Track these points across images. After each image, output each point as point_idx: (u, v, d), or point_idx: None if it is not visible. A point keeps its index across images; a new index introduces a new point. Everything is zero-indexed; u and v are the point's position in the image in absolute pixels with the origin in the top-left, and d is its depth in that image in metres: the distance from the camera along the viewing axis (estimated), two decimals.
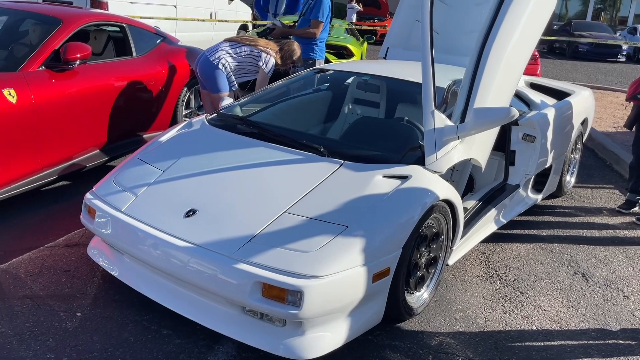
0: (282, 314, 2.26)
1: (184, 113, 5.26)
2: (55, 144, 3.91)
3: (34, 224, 3.66)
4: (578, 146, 4.99)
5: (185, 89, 5.20)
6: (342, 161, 2.87)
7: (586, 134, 5.19)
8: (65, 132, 3.97)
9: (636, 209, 4.52)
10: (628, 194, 4.62)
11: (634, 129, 4.54)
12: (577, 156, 5.04)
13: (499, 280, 3.34)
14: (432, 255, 2.90)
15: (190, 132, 3.38)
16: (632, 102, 4.58)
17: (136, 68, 4.69)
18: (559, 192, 4.70)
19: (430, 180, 2.79)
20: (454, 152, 2.97)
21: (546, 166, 4.18)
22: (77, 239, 3.47)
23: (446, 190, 2.82)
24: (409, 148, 3.05)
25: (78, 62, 3.99)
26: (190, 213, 2.62)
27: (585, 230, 4.16)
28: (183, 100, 5.21)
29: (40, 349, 2.46)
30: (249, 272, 2.29)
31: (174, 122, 5.11)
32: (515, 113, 2.78)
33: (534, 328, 2.88)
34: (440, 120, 2.88)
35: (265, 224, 2.50)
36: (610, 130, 7.36)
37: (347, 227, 2.45)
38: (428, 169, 2.85)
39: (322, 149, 2.95)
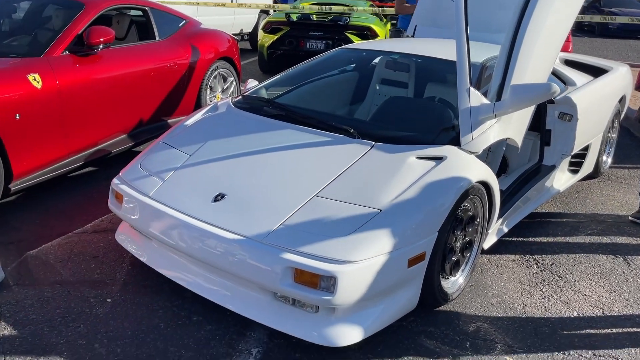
0: (315, 300, 2.19)
1: (208, 97, 5.20)
2: (81, 129, 3.89)
3: (61, 210, 3.65)
4: (615, 125, 4.79)
5: (209, 72, 5.13)
6: (373, 142, 2.77)
7: (624, 112, 4.98)
8: (90, 117, 3.95)
9: None
10: None
11: None
12: (615, 135, 4.85)
13: (536, 264, 3.22)
14: (467, 239, 2.80)
15: (216, 115, 3.31)
16: None
17: (159, 52, 4.64)
18: (595, 172, 4.53)
19: (467, 161, 2.67)
20: (490, 132, 2.84)
21: (583, 146, 4.02)
22: (105, 224, 3.45)
23: (483, 172, 2.70)
24: (442, 128, 2.93)
25: (101, 46, 3.95)
26: (219, 197, 2.56)
27: (624, 212, 3.99)
28: (207, 84, 5.15)
29: (71, 335, 2.44)
30: (280, 257, 2.23)
31: (198, 106, 5.06)
32: (556, 89, 2.64)
33: (575, 314, 2.77)
34: (476, 98, 2.75)
35: (295, 208, 2.43)
36: None
37: (381, 210, 2.36)
38: (463, 150, 2.74)
39: (352, 130, 2.86)
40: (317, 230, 2.30)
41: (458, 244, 2.72)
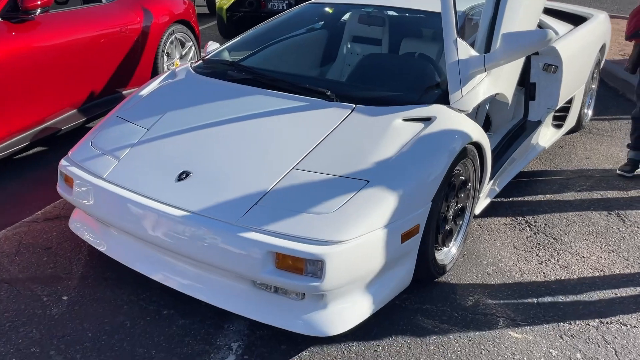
0: (301, 287, 1.94)
1: (165, 65, 4.79)
2: (24, 105, 3.48)
3: (7, 197, 3.28)
4: (595, 75, 4.61)
5: (165, 37, 4.71)
6: (354, 105, 2.49)
7: (603, 61, 4.80)
8: (33, 91, 3.53)
9: None
10: (630, 152, 3.69)
11: (637, 72, 3.63)
12: (595, 86, 4.67)
13: (529, 227, 3.03)
14: (459, 205, 2.58)
15: (175, 82, 2.96)
16: (633, 41, 3.56)
17: (107, 16, 4.19)
18: (577, 126, 4.36)
19: (457, 121, 2.42)
20: (480, 87, 2.59)
21: (568, 98, 3.82)
22: (57, 211, 3.10)
23: (475, 132, 2.47)
24: (427, 85, 2.67)
25: (39, 10, 3.51)
26: (183, 176, 2.25)
27: (610, 166, 3.84)
28: (163, 51, 4.73)
29: (22, 342, 2.13)
30: (258, 241, 1.95)
31: (154, 74, 4.65)
32: (552, 35, 2.39)
33: (575, 278, 2.60)
34: (464, 50, 2.49)
35: (272, 183, 2.14)
36: (617, 57, 6.96)
37: (368, 181, 2.10)
38: (453, 108, 2.49)
39: (329, 93, 2.56)
40: (299, 208, 2.03)
41: (450, 212, 2.50)
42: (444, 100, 2.52)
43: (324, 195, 2.07)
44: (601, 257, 2.78)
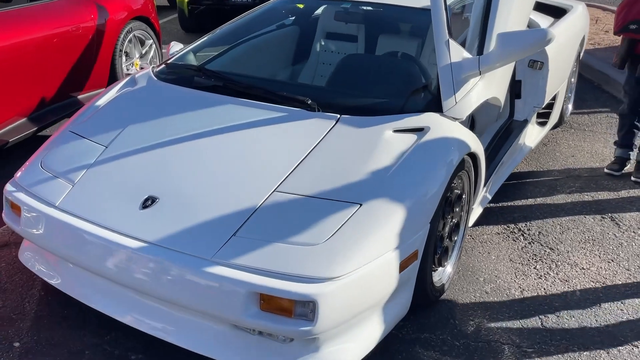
0: (291, 332, 1.70)
1: (124, 65, 4.44)
2: None
3: None
4: (574, 69, 4.49)
5: (123, 36, 4.36)
6: (338, 115, 2.24)
7: (582, 54, 4.68)
8: None
9: (628, 167, 3.52)
10: (617, 149, 3.55)
11: (625, 68, 3.43)
12: (574, 80, 4.55)
13: (522, 236, 2.86)
14: (454, 220, 2.37)
15: (135, 91, 2.66)
16: (622, 35, 3.33)
17: (57, 14, 3.82)
18: (559, 122, 4.23)
19: (452, 131, 2.21)
20: (474, 93, 2.38)
21: (553, 94, 3.66)
22: (6, 237, 2.76)
23: (471, 142, 2.26)
24: (416, 91, 2.45)
25: None
26: (149, 202, 1.98)
27: (597, 164, 3.71)
28: (121, 50, 4.38)
29: None
30: (238, 279, 1.70)
31: (113, 76, 4.31)
32: (553, 35, 2.19)
33: (578, 292, 2.44)
34: (457, 52, 2.27)
35: (251, 210, 1.89)
36: (588, 47, 6.90)
37: (360, 205, 1.87)
38: (446, 116, 2.27)
39: (310, 102, 2.31)
40: (283, 239, 1.79)
41: (447, 230, 2.29)
42: (436, 106, 2.30)
43: (311, 223, 1.82)
44: (601, 267, 2.62)
